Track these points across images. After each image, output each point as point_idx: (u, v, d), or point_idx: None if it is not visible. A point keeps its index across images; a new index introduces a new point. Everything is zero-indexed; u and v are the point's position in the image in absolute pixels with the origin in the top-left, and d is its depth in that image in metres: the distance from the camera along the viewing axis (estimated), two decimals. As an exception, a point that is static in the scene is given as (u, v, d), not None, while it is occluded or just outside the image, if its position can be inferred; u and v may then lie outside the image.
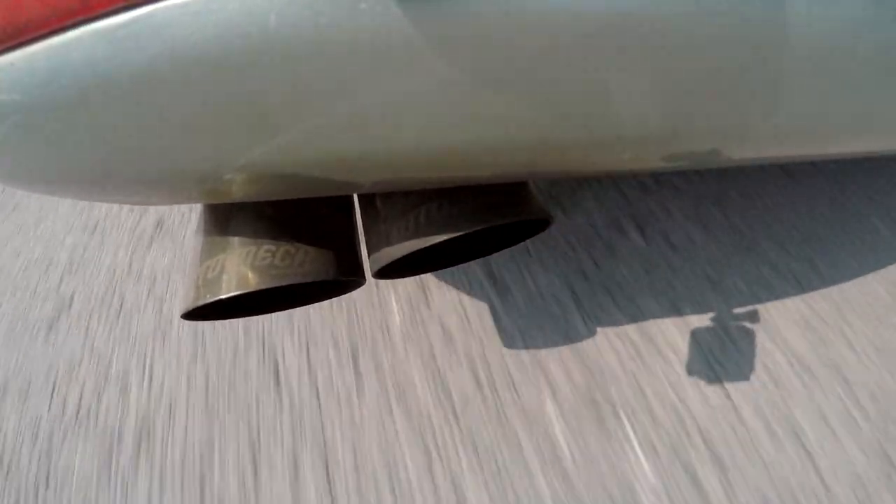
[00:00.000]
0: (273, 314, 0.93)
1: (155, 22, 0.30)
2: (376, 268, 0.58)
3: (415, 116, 0.36)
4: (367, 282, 0.65)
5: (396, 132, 0.36)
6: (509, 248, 0.74)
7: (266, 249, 0.54)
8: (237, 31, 0.30)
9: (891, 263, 0.75)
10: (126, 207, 1.30)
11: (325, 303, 0.93)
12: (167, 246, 1.17)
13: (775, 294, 0.75)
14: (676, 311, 0.77)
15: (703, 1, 0.34)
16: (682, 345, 0.74)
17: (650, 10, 0.33)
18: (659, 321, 0.77)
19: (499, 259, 0.92)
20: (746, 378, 0.69)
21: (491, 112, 0.36)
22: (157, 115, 0.33)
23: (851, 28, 0.39)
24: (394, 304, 0.91)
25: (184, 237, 1.18)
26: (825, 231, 0.80)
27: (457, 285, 0.91)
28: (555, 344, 0.79)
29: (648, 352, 0.74)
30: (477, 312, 0.86)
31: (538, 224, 0.65)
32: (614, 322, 0.79)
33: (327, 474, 0.74)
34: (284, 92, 0.33)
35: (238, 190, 0.42)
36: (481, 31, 0.32)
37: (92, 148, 0.36)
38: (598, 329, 0.79)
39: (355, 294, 0.93)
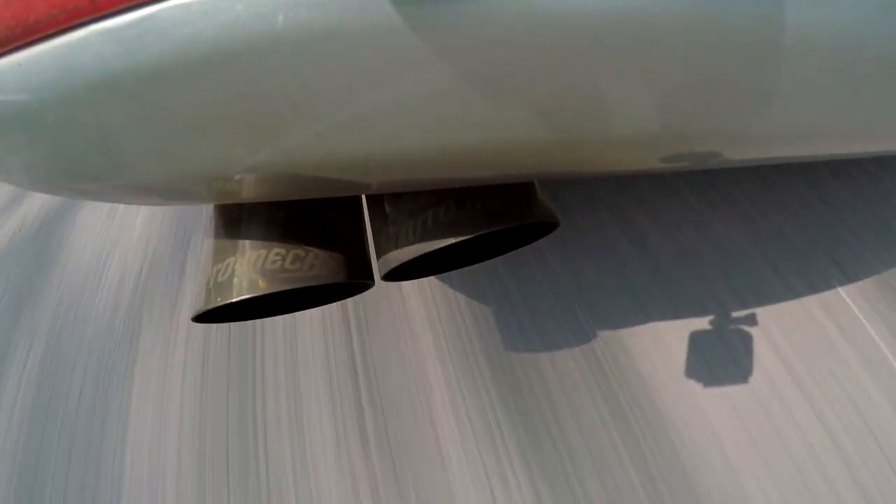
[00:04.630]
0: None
1: (162, 21, 0.29)
2: (385, 270, 0.58)
3: (423, 117, 0.35)
4: (375, 284, 0.64)
5: (404, 132, 0.36)
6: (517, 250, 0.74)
7: (276, 253, 0.54)
8: (245, 30, 0.30)
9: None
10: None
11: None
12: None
13: (775, 297, 0.74)
14: (677, 313, 0.76)
15: (706, 3, 0.33)
16: (681, 347, 0.73)
17: (653, 13, 0.33)
18: (658, 324, 0.76)
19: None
20: (745, 381, 0.68)
21: (497, 113, 0.36)
22: (164, 115, 0.33)
23: (854, 29, 0.38)
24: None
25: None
26: (828, 233, 0.79)
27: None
28: (557, 344, 0.78)
29: (647, 353, 0.74)
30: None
31: (545, 227, 0.65)
32: (615, 324, 0.78)
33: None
34: (292, 92, 0.33)
35: (246, 190, 0.42)
36: (487, 32, 0.32)
37: (99, 148, 0.36)
38: (600, 331, 0.78)
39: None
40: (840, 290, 0.72)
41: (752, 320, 0.72)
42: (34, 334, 1.20)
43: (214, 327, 1.01)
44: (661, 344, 0.74)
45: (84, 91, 0.32)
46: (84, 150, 0.37)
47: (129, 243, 1.33)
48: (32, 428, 1.01)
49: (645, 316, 0.78)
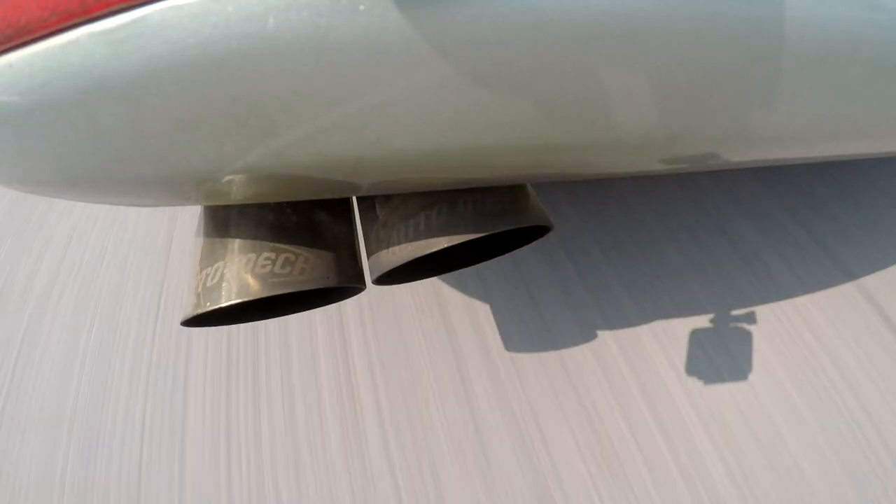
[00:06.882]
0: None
1: (153, 24, 0.30)
2: (376, 274, 0.58)
3: (414, 119, 0.35)
4: (366, 288, 0.64)
5: (397, 135, 0.36)
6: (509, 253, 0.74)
7: (266, 256, 0.54)
8: (235, 32, 0.30)
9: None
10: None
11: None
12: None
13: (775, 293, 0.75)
14: (672, 311, 0.77)
15: (704, 4, 0.34)
16: (680, 344, 0.74)
17: (651, 14, 0.33)
18: (656, 322, 0.77)
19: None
20: (745, 378, 0.68)
21: (491, 115, 0.36)
22: (154, 117, 0.33)
23: (853, 30, 0.39)
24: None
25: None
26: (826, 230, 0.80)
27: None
28: (546, 343, 0.78)
29: (643, 350, 0.74)
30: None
31: (539, 230, 0.65)
32: (611, 324, 0.78)
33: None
34: (283, 94, 0.33)
35: (237, 192, 0.42)
36: (480, 34, 0.32)
37: (89, 150, 0.36)
38: (595, 330, 0.78)
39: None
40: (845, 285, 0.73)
41: (754, 318, 0.73)
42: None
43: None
44: (662, 339, 0.75)
45: (75, 93, 0.32)
46: (74, 151, 0.36)
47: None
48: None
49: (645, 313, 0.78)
